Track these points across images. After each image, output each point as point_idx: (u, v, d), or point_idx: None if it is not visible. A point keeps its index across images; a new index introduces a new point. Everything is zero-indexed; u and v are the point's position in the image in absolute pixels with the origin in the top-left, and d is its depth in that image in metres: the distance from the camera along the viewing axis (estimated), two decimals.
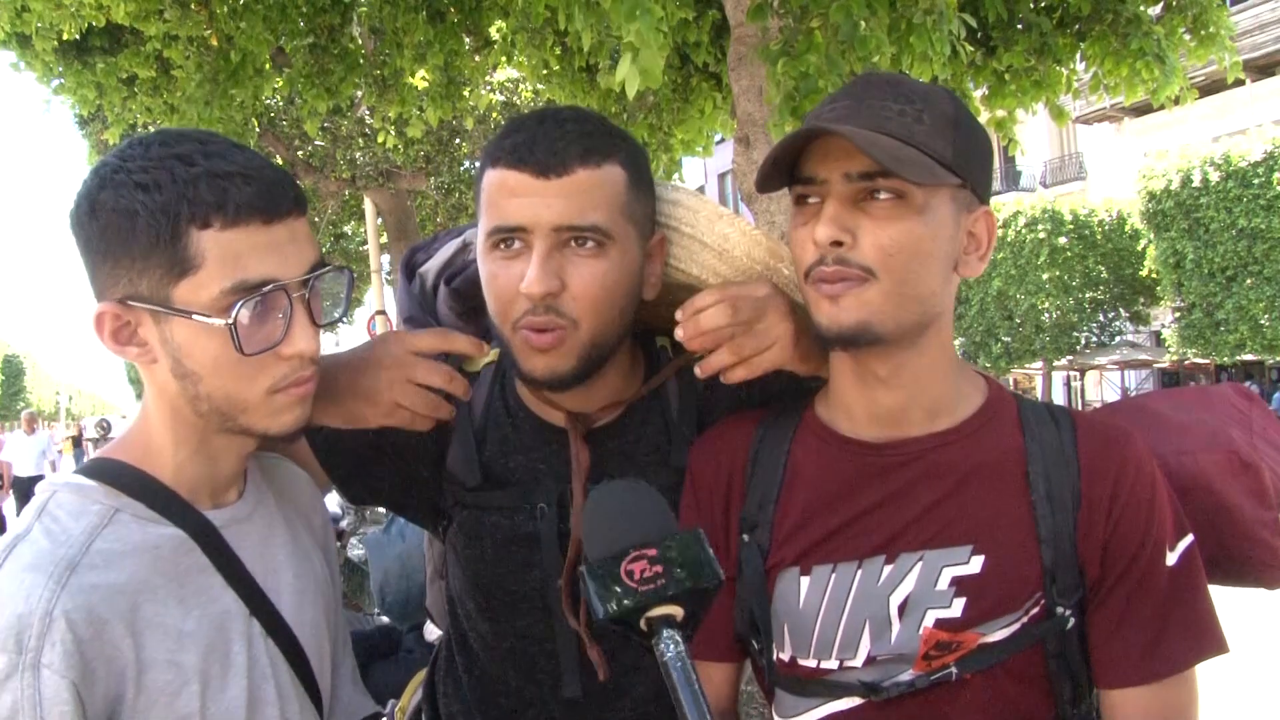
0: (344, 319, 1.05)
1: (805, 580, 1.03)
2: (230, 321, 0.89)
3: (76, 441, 20.35)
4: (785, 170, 1.01)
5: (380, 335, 1.20)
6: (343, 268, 1.02)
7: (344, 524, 4.97)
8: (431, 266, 1.37)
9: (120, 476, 0.97)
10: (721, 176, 29.03)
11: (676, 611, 0.77)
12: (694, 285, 1.20)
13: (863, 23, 3.06)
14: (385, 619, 3.46)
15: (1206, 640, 0.97)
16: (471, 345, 1.18)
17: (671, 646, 0.75)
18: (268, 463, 1.17)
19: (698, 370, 1.12)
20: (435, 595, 2.77)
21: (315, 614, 1.09)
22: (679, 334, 1.09)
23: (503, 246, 1.10)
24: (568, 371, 1.11)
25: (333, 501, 4.89)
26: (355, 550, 4.79)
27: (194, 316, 0.90)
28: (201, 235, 0.88)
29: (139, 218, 0.88)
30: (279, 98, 8.79)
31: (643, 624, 0.77)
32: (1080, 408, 16.78)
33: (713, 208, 1.20)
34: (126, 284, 0.91)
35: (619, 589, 0.76)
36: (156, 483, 0.97)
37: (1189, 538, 0.99)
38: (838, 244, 0.95)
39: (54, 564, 0.87)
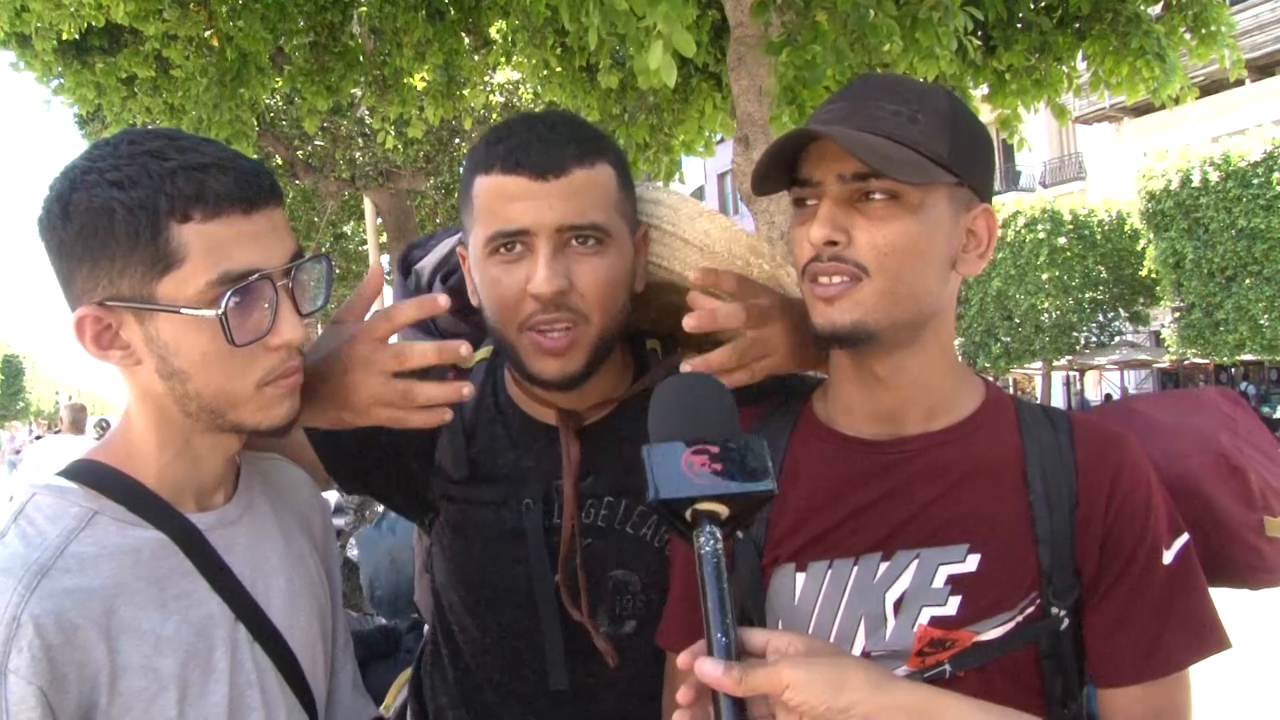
0: (325, 308, 1.03)
1: (801, 576, 1.03)
2: (221, 312, 0.88)
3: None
4: (783, 173, 1.02)
5: (336, 332, 1.09)
6: (322, 256, 1.02)
7: (343, 523, 4.96)
8: (427, 263, 1.38)
9: (101, 479, 0.95)
10: (721, 176, 29.04)
11: (722, 510, 0.78)
12: (677, 282, 1.21)
13: (872, 11, 3.08)
14: (382, 619, 3.46)
15: (1206, 637, 0.97)
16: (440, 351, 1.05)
17: (710, 541, 0.77)
18: (265, 464, 1.15)
19: (685, 366, 1.10)
20: (423, 589, 2.78)
21: (308, 619, 1.08)
22: (687, 322, 1.09)
23: (503, 251, 1.10)
24: (577, 371, 1.12)
25: (330, 501, 4.88)
26: (354, 550, 4.78)
27: (182, 311, 0.89)
28: (183, 229, 0.87)
29: (116, 215, 0.86)
30: (278, 98, 8.80)
31: (688, 515, 0.79)
32: (1079, 408, 16.80)
33: (693, 205, 1.22)
34: (106, 285, 0.89)
35: (677, 475, 0.78)
36: (138, 485, 0.96)
37: (1184, 536, 1.00)
38: (833, 243, 0.96)
39: (25, 568, 0.86)
